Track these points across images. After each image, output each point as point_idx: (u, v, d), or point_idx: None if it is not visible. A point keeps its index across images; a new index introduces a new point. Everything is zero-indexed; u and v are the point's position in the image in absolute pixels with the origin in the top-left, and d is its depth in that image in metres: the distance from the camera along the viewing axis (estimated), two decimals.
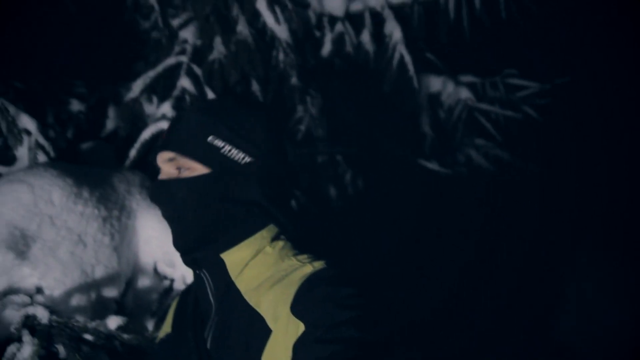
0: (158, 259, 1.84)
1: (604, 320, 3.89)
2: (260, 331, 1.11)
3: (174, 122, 1.25)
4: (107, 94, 2.61)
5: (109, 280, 1.68)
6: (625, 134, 4.09)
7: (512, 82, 3.06)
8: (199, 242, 1.21)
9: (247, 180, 1.21)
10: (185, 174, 1.19)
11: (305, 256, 1.20)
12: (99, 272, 1.64)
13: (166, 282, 1.83)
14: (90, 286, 1.61)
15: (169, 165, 1.21)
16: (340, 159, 2.81)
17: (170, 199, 1.20)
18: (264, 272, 1.20)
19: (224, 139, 1.18)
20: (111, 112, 2.57)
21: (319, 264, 1.14)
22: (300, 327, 1.02)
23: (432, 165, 2.75)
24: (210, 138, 1.18)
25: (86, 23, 2.56)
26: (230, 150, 1.18)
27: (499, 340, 3.45)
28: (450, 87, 2.97)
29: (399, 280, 2.81)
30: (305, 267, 1.14)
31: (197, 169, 1.19)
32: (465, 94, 2.88)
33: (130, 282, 1.80)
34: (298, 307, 1.06)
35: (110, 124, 2.56)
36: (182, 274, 1.81)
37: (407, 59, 2.20)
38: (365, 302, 1.04)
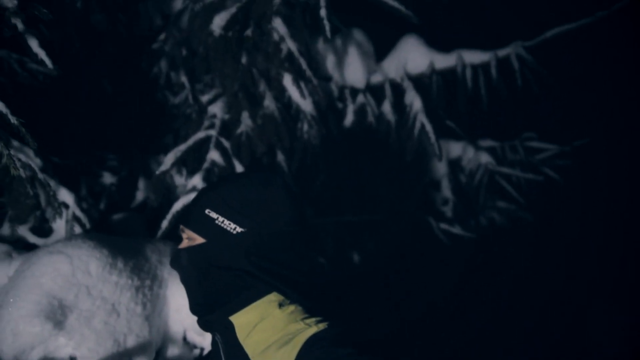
0: (188, 327, 1.86)
1: None
2: None
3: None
4: (137, 166, 2.73)
5: (140, 349, 1.70)
6: None
7: (531, 145, 3.11)
8: (205, 306, 1.28)
9: (237, 249, 1.25)
10: (189, 243, 1.29)
11: (313, 319, 1.22)
12: (131, 342, 1.67)
13: (196, 351, 1.84)
14: (122, 355, 1.64)
15: (183, 236, 1.32)
16: (363, 226, 2.85)
17: (179, 266, 1.30)
18: (272, 335, 1.23)
19: (217, 211, 1.26)
20: (141, 184, 2.68)
21: (323, 325, 1.17)
22: None
23: (456, 230, 2.76)
24: (207, 210, 1.27)
25: (120, 101, 2.71)
26: (223, 222, 1.25)
27: None
28: (471, 152, 3.03)
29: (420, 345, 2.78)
30: (310, 330, 1.16)
31: (197, 239, 1.27)
32: (485, 158, 2.93)
33: (160, 351, 1.82)
34: None
35: (140, 196, 2.66)
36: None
37: (428, 127, 2.26)
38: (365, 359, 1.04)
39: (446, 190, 3.10)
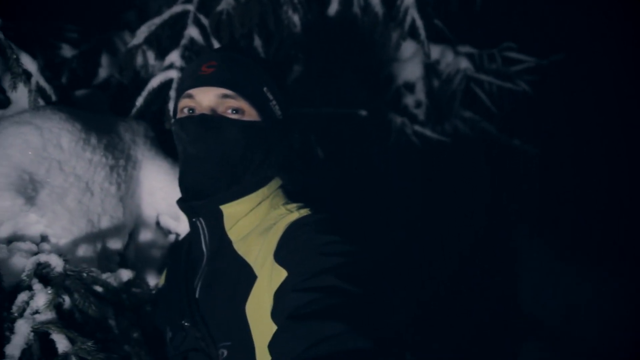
0: (161, 211, 1.79)
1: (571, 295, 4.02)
2: (246, 279, 1.12)
3: (220, 59, 1.21)
4: (99, 41, 2.50)
5: (114, 231, 1.63)
6: (616, 120, 4.18)
7: (510, 55, 3.07)
8: (218, 186, 1.21)
9: (283, 133, 1.27)
10: (235, 116, 1.17)
11: (294, 205, 1.21)
12: (105, 223, 1.59)
13: (171, 237, 1.79)
14: (96, 237, 1.56)
15: (218, 101, 1.18)
16: (336, 120, 2.78)
17: (219, 137, 1.17)
18: (254, 221, 1.22)
19: (272, 93, 1.22)
20: (104, 60, 2.47)
21: (305, 211, 1.15)
22: (283, 274, 1.02)
23: (429, 132, 2.74)
24: (265, 88, 1.21)
25: None
26: (275, 105, 1.23)
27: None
28: (450, 56, 2.96)
29: (384, 237, 2.83)
30: (291, 215, 1.14)
31: (250, 114, 1.19)
32: (464, 63, 2.88)
33: (132, 235, 1.75)
34: (281, 254, 1.06)
35: (103, 73, 2.47)
36: (186, 228, 1.77)
37: (419, 23, 2.16)
38: (349, 250, 1.03)
39: (420, 93, 3.04)
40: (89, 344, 1.11)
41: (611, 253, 3.97)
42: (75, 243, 1.49)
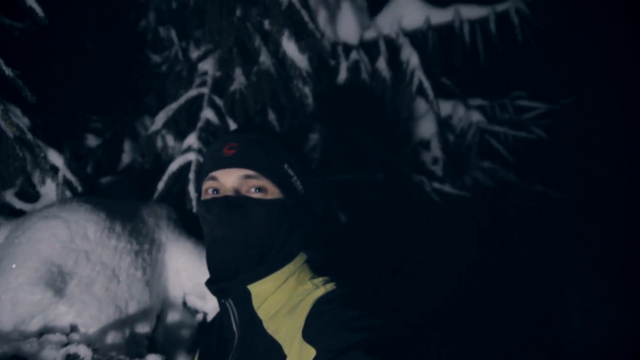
0: (188, 291, 1.81)
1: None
2: (277, 358, 1.11)
3: (240, 141, 1.25)
4: (121, 128, 2.61)
5: (142, 315, 1.64)
6: (626, 152, 4.15)
7: (521, 104, 3.10)
8: (245, 266, 1.21)
9: (305, 209, 1.29)
10: (258, 195, 1.19)
11: (320, 279, 1.20)
12: (133, 308, 1.61)
13: (199, 316, 1.80)
14: (124, 322, 1.58)
15: (241, 182, 1.20)
16: (356, 185, 2.81)
17: (244, 218, 1.18)
18: (282, 299, 1.21)
19: (293, 170, 1.24)
20: (127, 146, 2.57)
21: (331, 286, 1.15)
22: (312, 352, 1.01)
23: (448, 188, 2.75)
24: (285, 166, 1.23)
25: (103, 58, 2.57)
26: (296, 181, 1.25)
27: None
28: (461, 110, 3.00)
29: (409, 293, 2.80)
30: (318, 290, 1.14)
31: (272, 192, 1.21)
32: (476, 116, 2.91)
33: (160, 317, 1.77)
34: (309, 332, 1.05)
35: (126, 158, 2.56)
36: (213, 307, 1.78)
37: (426, 84, 2.21)
38: (376, 323, 1.02)
39: (436, 150, 3.07)
40: None
41: None
42: (104, 331, 1.51)
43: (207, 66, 2.18)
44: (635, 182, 4.16)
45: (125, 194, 2.30)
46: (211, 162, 1.27)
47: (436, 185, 2.72)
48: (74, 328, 1.49)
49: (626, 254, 4.10)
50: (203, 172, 1.30)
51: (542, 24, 2.26)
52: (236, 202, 1.19)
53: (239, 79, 2.12)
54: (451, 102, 3.09)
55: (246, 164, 1.20)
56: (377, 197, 2.73)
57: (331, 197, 2.76)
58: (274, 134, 1.33)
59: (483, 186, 3.41)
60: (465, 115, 2.95)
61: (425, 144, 3.09)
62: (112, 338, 1.53)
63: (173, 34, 2.25)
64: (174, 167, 1.84)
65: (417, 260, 2.82)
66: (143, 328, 1.65)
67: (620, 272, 4.10)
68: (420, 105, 3.04)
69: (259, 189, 1.20)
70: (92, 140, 2.48)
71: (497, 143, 3.07)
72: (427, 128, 3.06)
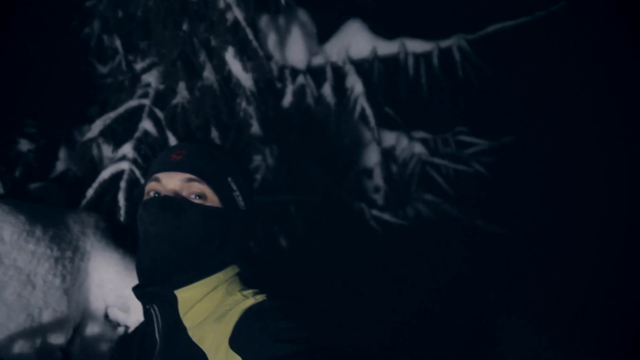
0: (110, 303, 1.75)
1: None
2: None
3: (189, 149, 1.26)
4: (58, 135, 2.55)
5: (57, 325, 1.58)
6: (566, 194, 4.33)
7: (462, 139, 3.19)
8: (173, 269, 1.19)
9: (242, 224, 1.28)
10: (197, 201, 1.20)
11: (250, 291, 1.19)
12: (47, 316, 1.55)
13: (120, 330, 1.74)
14: (36, 331, 1.51)
15: (182, 185, 1.21)
16: (293, 210, 2.82)
17: (179, 218, 1.18)
18: (210, 307, 1.20)
19: (237, 184, 1.26)
20: (62, 154, 2.51)
21: (261, 297, 1.14)
22: None
23: (387, 217, 2.78)
24: (229, 179, 1.25)
25: (44, 62, 2.51)
26: (238, 196, 1.26)
27: None
28: (404, 142, 3.07)
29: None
30: (247, 301, 1.13)
31: (212, 200, 1.22)
32: (419, 148, 2.98)
33: (78, 329, 1.70)
34: (236, 341, 1.04)
35: (60, 166, 2.49)
36: (136, 320, 1.73)
37: (369, 111, 2.26)
38: (304, 336, 1.01)
39: (378, 178, 3.12)
40: None
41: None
42: (12, 339, 1.44)
43: (151, 78, 2.16)
44: (574, 217, 4.33)
45: (54, 202, 2.23)
46: (157, 165, 1.27)
47: (375, 212, 2.75)
48: None
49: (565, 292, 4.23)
50: (148, 175, 1.30)
51: (483, 63, 2.35)
52: (173, 202, 1.19)
53: (181, 93, 2.11)
54: (395, 133, 3.15)
55: (190, 169, 1.21)
56: (318, 221, 2.74)
57: (273, 221, 2.76)
58: (223, 149, 1.35)
59: (425, 219, 3.48)
60: (408, 146, 3.02)
61: (368, 172, 3.13)
62: (20, 347, 1.46)
63: (118, 43, 2.23)
64: (105, 174, 1.80)
65: (355, 284, 2.83)
66: (57, 339, 1.58)
67: (559, 310, 4.21)
68: (366, 134, 3.10)
69: (199, 196, 1.21)
70: (24, 145, 2.40)
71: (439, 176, 3.15)
72: (370, 157, 3.11)
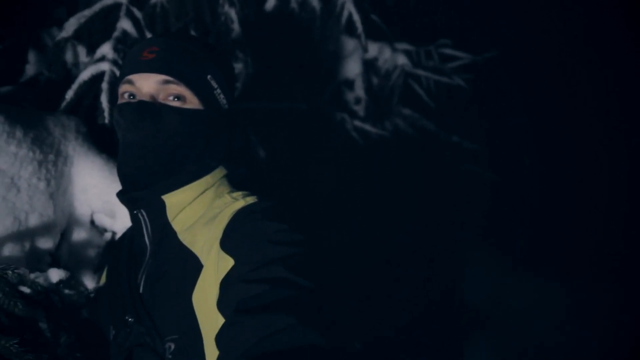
0: (96, 209, 1.72)
1: None
2: (192, 269, 1.09)
3: (162, 45, 1.17)
4: (25, 36, 2.40)
5: (44, 229, 1.55)
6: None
7: (446, 52, 3.15)
8: (158, 175, 1.17)
9: (226, 123, 1.25)
10: (176, 103, 1.14)
11: (240, 193, 1.20)
12: (33, 220, 1.51)
13: (107, 235, 1.72)
14: (24, 235, 1.48)
15: (159, 88, 1.14)
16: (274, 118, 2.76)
17: (158, 125, 1.13)
18: (199, 211, 1.19)
19: (217, 82, 1.20)
20: (32, 57, 2.37)
21: (251, 199, 1.13)
22: (230, 262, 1.00)
23: (369, 127, 2.77)
24: (209, 76, 1.18)
25: None
26: (219, 94, 1.20)
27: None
28: (387, 53, 3.01)
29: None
30: (237, 202, 1.13)
31: (192, 102, 1.16)
32: (402, 59, 2.93)
33: (64, 234, 1.67)
34: (227, 242, 1.04)
35: (30, 70, 2.36)
36: (123, 226, 1.71)
37: (356, 17, 2.18)
38: (298, 239, 1.01)
39: (359, 90, 3.07)
40: (14, 342, 1.04)
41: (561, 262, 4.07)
42: (1, 242, 1.40)
43: None
44: (549, 141, 4.39)
45: (27, 106, 2.13)
46: (129, 65, 1.20)
47: (357, 123, 2.73)
48: None
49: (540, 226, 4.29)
50: (120, 76, 1.23)
51: None
52: (151, 108, 1.13)
53: None
54: (378, 44, 3.08)
55: (166, 70, 1.14)
56: (298, 131, 2.70)
57: (250, 130, 2.71)
58: (200, 43, 1.26)
59: (402, 132, 3.48)
60: (391, 57, 2.96)
61: (350, 84, 3.08)
62: (9, 250, 1.43)
63: None
64: (85, 75, 1.71)
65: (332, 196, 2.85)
66: (45, 243, 1.55)
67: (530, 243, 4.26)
68: (348, 44, 3.01)
69: (178, 97, 1.15)
70: None
71: (420, 88, 3.12)
72: (352, 68, 3.04)
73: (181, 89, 1.14)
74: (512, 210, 4.18)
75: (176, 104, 1.14)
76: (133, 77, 1.16)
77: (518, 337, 3.68)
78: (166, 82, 1.13)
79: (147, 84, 1.14)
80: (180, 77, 1.14)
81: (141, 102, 1.13)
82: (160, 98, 1.15)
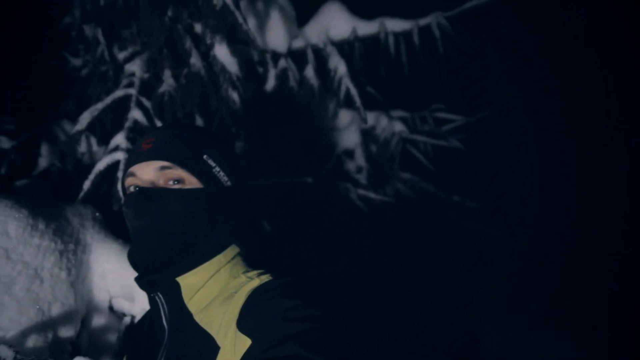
0: (114, 294, 1.75)
1: None
2: (209, 351, 1.10)
3: (157, 135, 1.24)
4: (38, 131, 2.50)
5: (66, 318, 1.57)
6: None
7: (440, 116, 3.26)
8: (170, 258, 1.19)
9: (230, 200, 1.26)
10: (176, 186, 1.18)
11: (255, 272, 1.20)
12: (56, 310, 1.54)
13: (126, 319, 1.74)
14: (47, 325, 1.50)
15: (157, 174, 1.19)
16: (281, 191, 2.83)
17: (159, 208, 1.17)
18: (214, 291, 1.20)
19: (215, 160, 1.23)
20: (44, 150, 2.46)
21: (266, 277, 1.15)
22: (247, 342, 1.01)
23: (372, 195, 2.83)
24: (205, 156, 1.22)
25: (17, 59, 2.45)
26: (219, 172, 1.23)
27: None
28: (384, 121, 3.12)
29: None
30: (252, 282, 1.14)
31: (191, 183, 1.20)
32: (399, 127, 3.03)
33: (84, 321, 1.69)
34: (244, 322, 1.05)
35: (43, 162, 2.45)
36: (141, 309, 1.73)
37: (353, 91, 2.29)
38: (313, 314, 1.02)
39: (360, 159, 3.16)
40: None
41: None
42: (25, 334, 1.43)
43: (135, 67, 2.14)
44: (549, 192, 4.45)
45: (42, 198, 2.19)
46: (130, 159, 1.26)
47: (361, 191, 2.80)
48: None
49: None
50: (124, 171, 1.29)
51: (462, 39, 2.40)
52: (149, 192, 1.18)
53: (167, 81, 2.09)
54: (374, 113, 3.20)
55: (161, 156, 1.20)
56: (303, 203, 2.76)
57: (255, 204, 2.77)
58: (192, 127, 1.34)
59: (404, 197, 3.54)
60: (388, 125, 3.07)
61: (350, 154, 3.17)
62: (33, 342, 1.45)
63: (99, 32, 2.19)
64: (101, 166, 1.78)
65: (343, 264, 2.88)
66: (67, 332, 1.57)
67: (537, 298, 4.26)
68: (345, 116, 3.13)
69: (177, 181, 1.19)
70: (5, 142, 2.35)
71: (418, 153, 3.21)
72: (351, 138, 3.15)
73: (179, 172, 1.19)
74: (520, 265, 4.20)
75: (176, 186, 1.19)
76: (134, 169, 1.22)
77: None
78: (163, 167, 1.19)
79: (146, 172, 1.20)
80: (176, 160, 1.19)
81: (142, 189, 1.18)
82: (161, 183, 1.20)
